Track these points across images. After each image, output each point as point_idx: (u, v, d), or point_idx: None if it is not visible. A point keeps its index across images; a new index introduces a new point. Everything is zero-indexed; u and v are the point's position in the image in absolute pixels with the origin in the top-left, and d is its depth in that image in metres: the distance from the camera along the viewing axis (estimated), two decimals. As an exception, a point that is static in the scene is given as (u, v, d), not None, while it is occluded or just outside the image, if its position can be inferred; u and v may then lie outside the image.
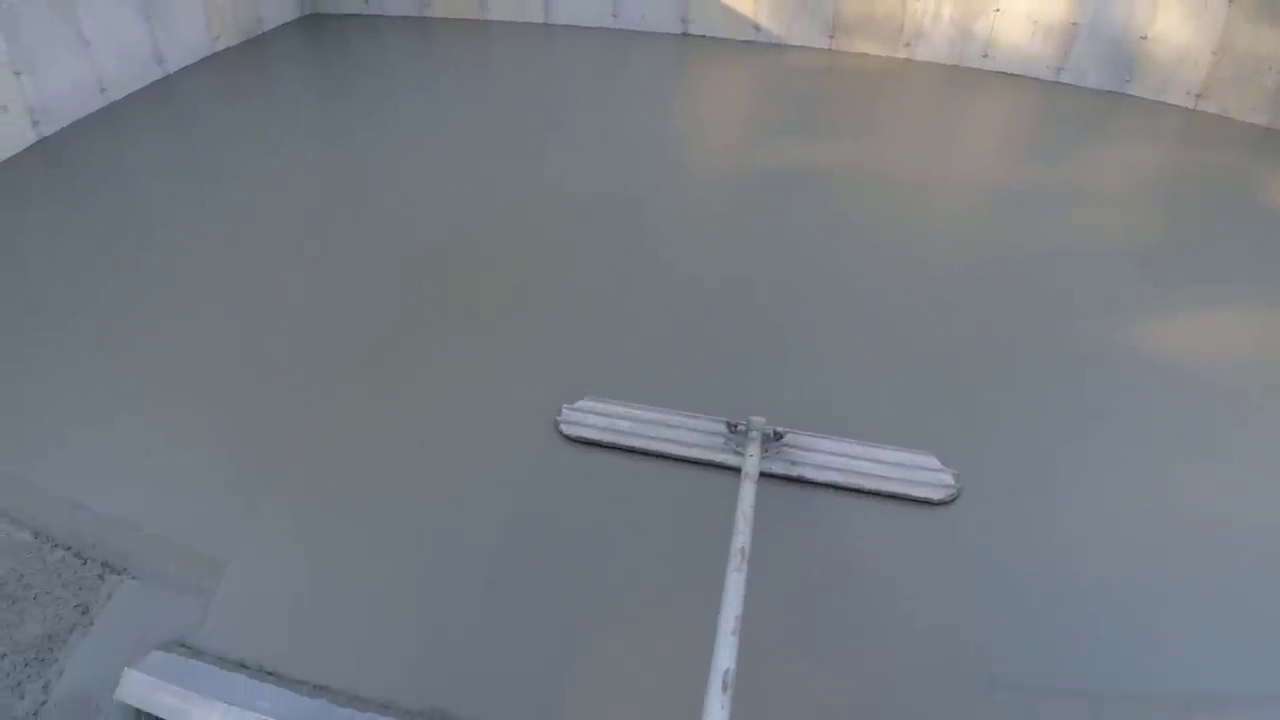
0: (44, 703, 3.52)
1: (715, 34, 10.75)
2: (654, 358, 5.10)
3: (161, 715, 3.37)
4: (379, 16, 11.28)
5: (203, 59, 9.62)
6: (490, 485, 4.23)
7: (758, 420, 4.14)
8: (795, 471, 4.07)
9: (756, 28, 10.67)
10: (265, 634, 3.71)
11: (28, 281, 5.98)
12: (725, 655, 2.70)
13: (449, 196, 6.91)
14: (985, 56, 10.03)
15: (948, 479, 4.06)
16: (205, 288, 5.86)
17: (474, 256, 6.17)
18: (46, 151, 7.78)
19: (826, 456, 4.14)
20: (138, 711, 3.41)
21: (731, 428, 4.22)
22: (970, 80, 9.59)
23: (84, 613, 3.79)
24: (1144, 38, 8.92)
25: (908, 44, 10.36)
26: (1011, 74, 9.82)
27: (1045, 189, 7.20)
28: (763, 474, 3.92)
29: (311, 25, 11.04)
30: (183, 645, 3.68)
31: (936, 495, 3.97)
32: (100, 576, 3.92)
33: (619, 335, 5.33)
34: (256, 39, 10.36)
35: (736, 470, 3.94)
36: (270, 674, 3.56)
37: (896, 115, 8.86)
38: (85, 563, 3.98)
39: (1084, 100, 9.04)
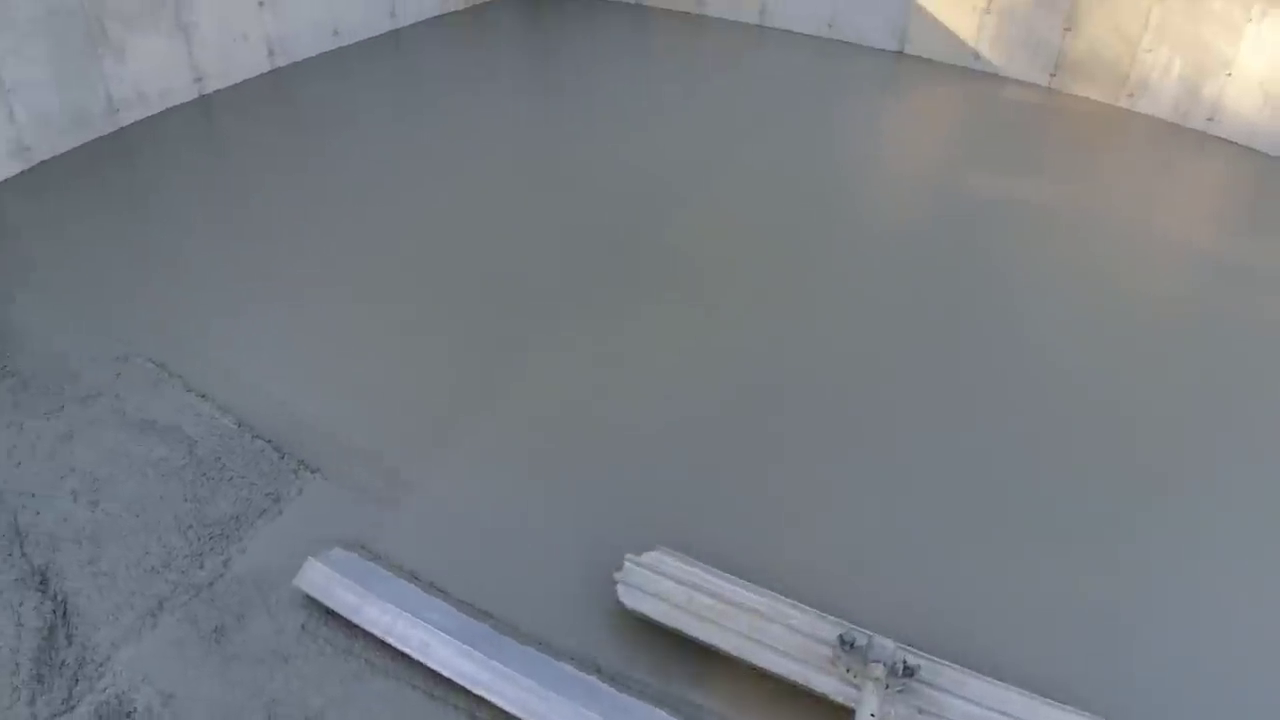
0: (221, 575, 3.54)
1: (931, 56, 10.35)
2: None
3: (335, 607, 3.32)
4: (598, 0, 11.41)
5: (431, 18, 9.92)
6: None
7: (884, 643, 3.02)
8: None
9: (975, 55, 10.21)
10: (440, 553, 3.67)
11: (249, 193, 6.27)
12: None
13: (629, 190, 6.75)
14: (1210, 120, 9.22)
15: None
16: (411, 221, 6.00)
17: (634, 260, 5.86)
18: (278, 80, 8.15)
19: (973, 709, 2.90)
20: (311, 600, 3.37)
21: (846, 644, 3.03)
22: (1191, 142, 8.79)
23: (275, 501, 3.82)
24: None
25: (1130, 94, 9.66)
26: (1233, 142, 9.01)
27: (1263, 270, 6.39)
28: None
29: (533, 0, 11.28)
30: (363, 548, 3.64)
31: None
32: (294, 471, 3.96)
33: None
34: (481, 6, 10.65)
35: (845, 710, 2.91)
36: (440, 590, 3.48)
37: (1112, 170, 8.18)
38: (283, 457, 4.03)
39: None
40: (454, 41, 9.67)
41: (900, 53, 10.45)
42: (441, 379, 4.59)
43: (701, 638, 3.12)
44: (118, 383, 4.47)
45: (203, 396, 4.37)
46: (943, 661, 3.05)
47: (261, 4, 7.84)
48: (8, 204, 6.14)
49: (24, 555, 3.64)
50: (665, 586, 3.26)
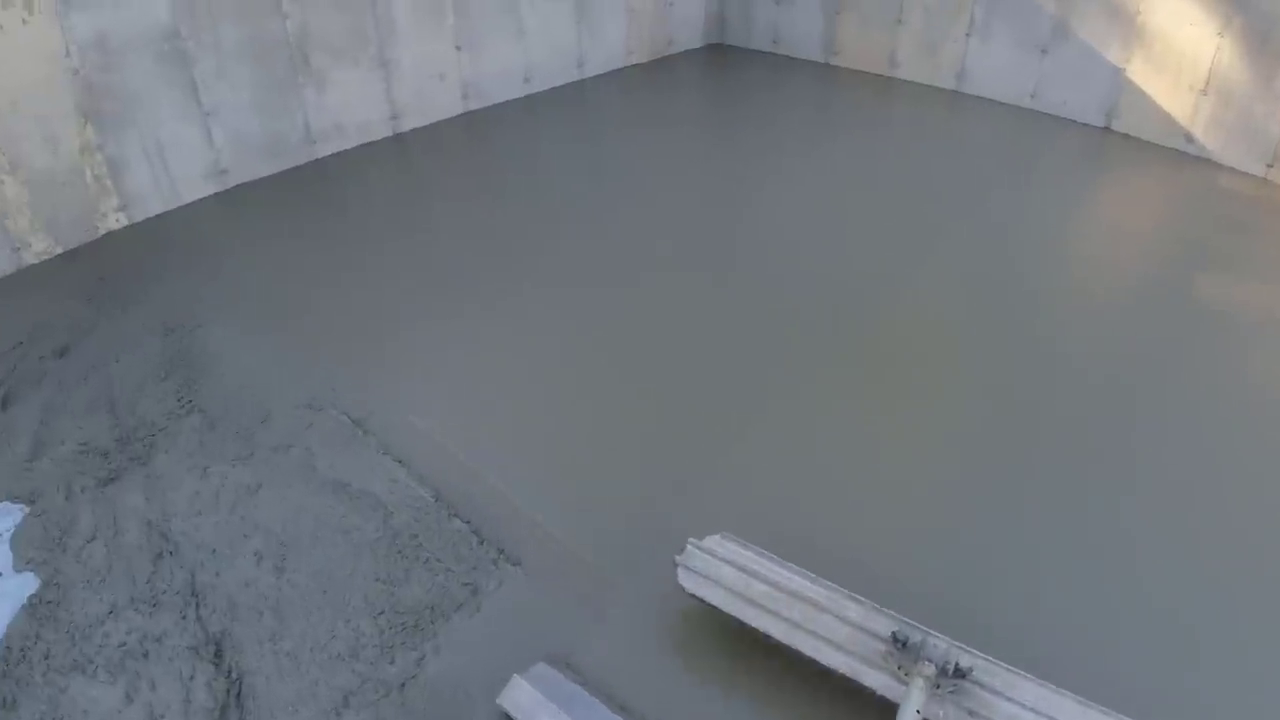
0: (413, 676, 3.16)
1: (1140, 134, 9.55)
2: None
3: (543, 739, 2.91)
4: (785, 56, 11.09)
5: (615, 69, 9.79)
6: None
7: (938, 642, 2.97)
8: None
9: (1188, 138, 9.37)
10: (652, 681, 3.18)
11: (439, 235, 6.14)
12: None
13: (809, 261, 6.18)
14: None
15: None
16: (596, 276, 5.71)
17: (811, 334, 5.30)
18: (470, 122, 8.08)
19: (1025, 715, 2.79)
20: (516, 723, 2.97)
21: (899, 641, 2.95)
22: None
23: (473, 594, 3.45)
24: None
25: None
26: None
27: None
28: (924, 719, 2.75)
29: (717, 54, 11.05)
30: (568, 664, 3.21)
31: None
32: (494, 561, 3.59)
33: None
34: (665, 59, 10.47)
35: (890, 705, 2.85)
36: (654, 727, 3.03)
37: None
38: (482, 542, 3.66)
39: None
40: (637, 90, 9.52)
41: (1106, 129, 9.70)
42: (652, 468, 4.15)
43: (752, 623, 3.10)
44: (309, 434, 4.23)
45: (399, 461, 4.07)
46: (998, 662, 2.93)
47: (459, 48, 7.80)
48: (203, 224, 6.19)
49: (199, 620, 3.37)
50: (724, 572, 3.25)
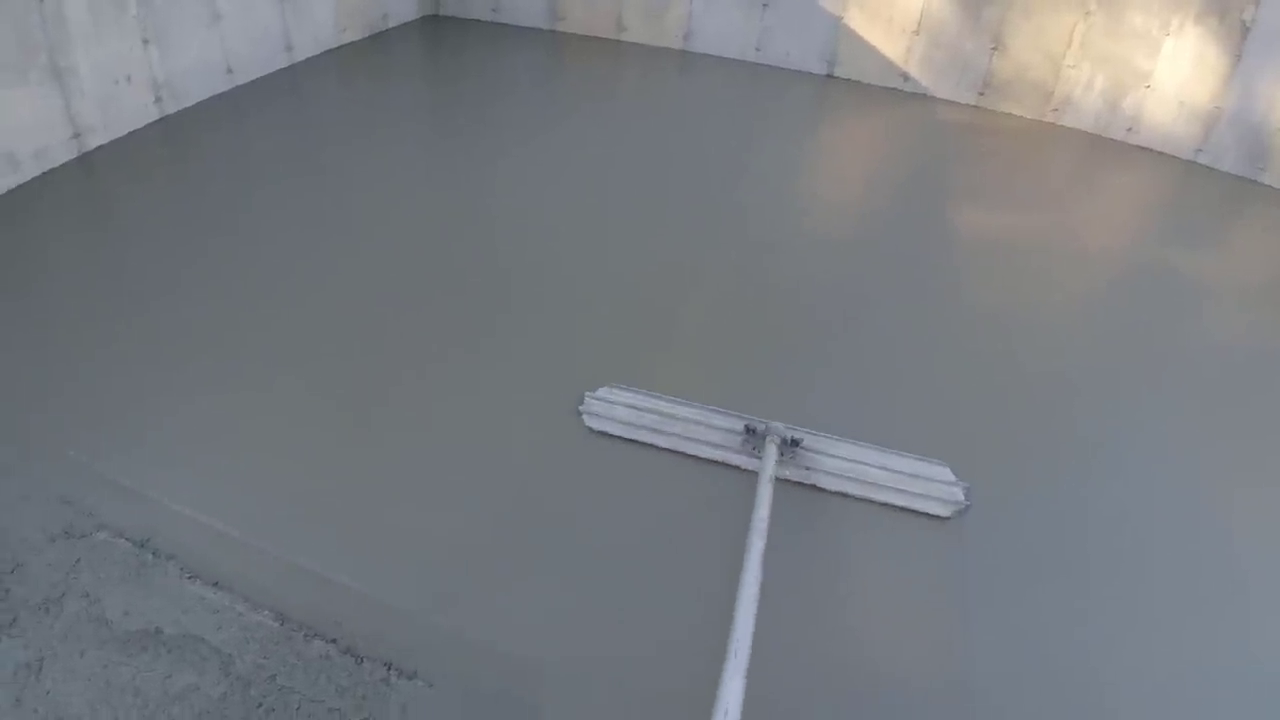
0: None
1: (861, 79, 10.15)
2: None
3: None
4: (507, 25, 10.50)
5: (328, 50, 8.75)
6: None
7: (776, 425, 4.06)
8: (809, 479, 3.98)
9: (904, 76, 10.11)
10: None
11: (148, 272, 5.08)
12: (735, 679, 2.56)
13: (537, 222, 6.16)
14: (1129, 130, 9.65)
15: (959, 494, 3.96)
16: (343, 306, 4.99)
17: (534, 271, 5.48)
18: (167, 130, 6.84)
19: (841, 463, 4.05)
20: None
21: (750, 431, 4.09)
22: (1112, 152, 9.13)
23: (373, 738, 2.79)
24: None
25: (1055, 109, 9.94)
26: (1152, 150, 9.45)
27: (1158, 266, 6.70)
28: (777, 479, 3.83)
29: (435, 26, 10.24)
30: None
31: (945, 512, 3.88)
32: (384, 681, 2.93)
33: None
34: (381, 35, 9.53)
35: (752, 474, 3.91)
36: None
37: (1037, 181, 8.27)
38: (360, 661, 2.97)
39: (1217, 184, 8.66)
40: (353, 75, 8.60)
41: (829, 76, 10.17)
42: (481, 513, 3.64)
43: (647, 441, 4.11)
44: (81, 575, 3.27)
45: (215, 585, 3.23)
46: (819, 433, 4.19)
47: (147, 41, 6.51)
48: None
49: None
50: (616, 410, 4.24)
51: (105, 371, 4.25)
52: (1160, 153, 9.34)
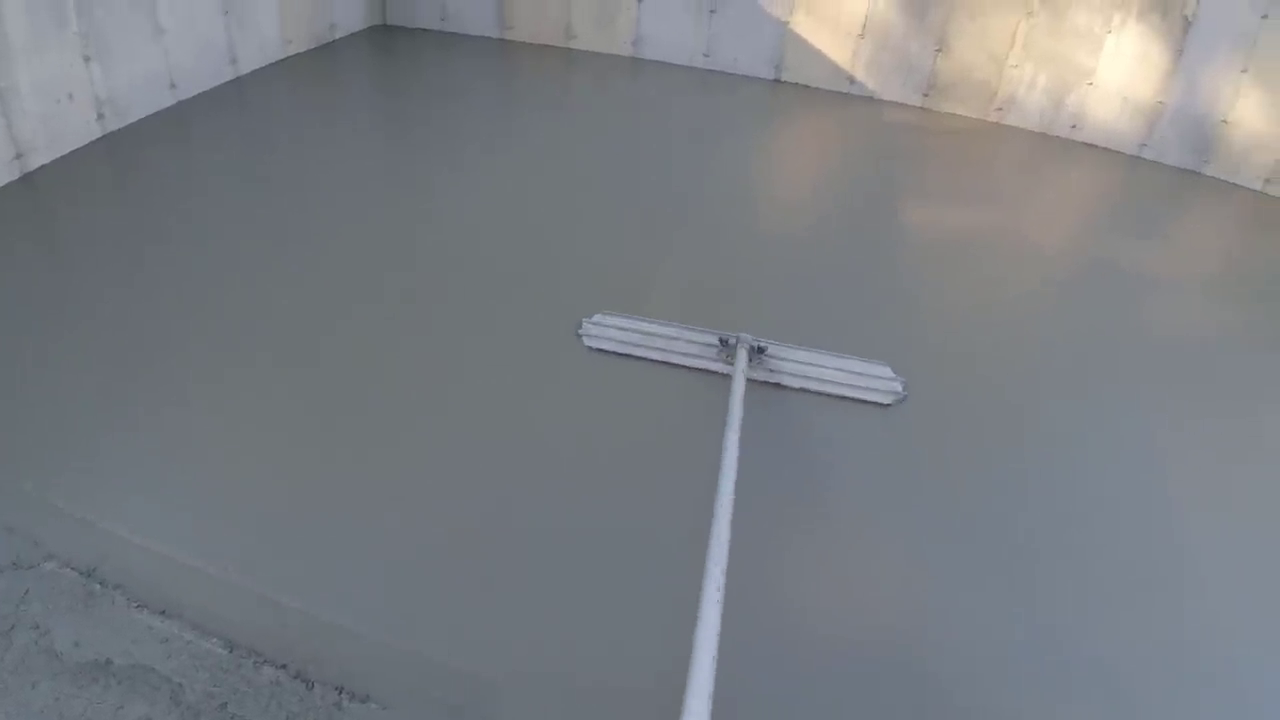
0: None
1: (808, 83, 10.27)
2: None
3: None
4: (455, 34, 10.48)
5: (274, 62, 8.68)
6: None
7: (745, 336, 4.81)
8: (774, 379, 4.77)
9: (851, 80, 10.24)
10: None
11: (94, 295, 5.02)
12: (720, 543, 2.96)
13: (492, 220, 6.33)
14: (1073, 127, 9.88)
15: (897, 386, 4.82)
16: (295, 323, 4.99)
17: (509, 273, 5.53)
18: (111, 147, 6.76)
19: (800, 365, 4.84)
20: None
21: (723, 342, 4.87)
22: (1056, 149, 9.37)
23: (327, 762, 2.82)
24: (1224, 121, 8.90)
25: (999, 109, 10.14)
26: (1096, 146, 9.69)
27: (1105, 259, 6.96)
28: (748, 380, 4.49)
29: (383, 35, 10.20)
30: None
31: (886, 400, 4.73)
32: (337, 705, 2.95)
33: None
34: (328, 45, 9.47)
35: (727, 377, 4.56)
36: None
37: (984, 177, 8.53)
38: (311, 686, 3.00)
39: (1162, 177, 8.96)
40: (299, 86, 8.56)
41: (777, 81, 10.28)
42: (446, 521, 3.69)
43: (637, 355, 4.87)
44: (30, 606, 3.25)
45: (163, 614, 3.23)
46: (782, 343, 4.96)
47: (88, 58, 6.43)
48: None
49: None
50: (609, 331, 5.00)
51: (51, 395, 4.22)
52: (1105, 149, 9.57)
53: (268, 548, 3.53)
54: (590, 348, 4.88)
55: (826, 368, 4.87)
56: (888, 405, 4.72)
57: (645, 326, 5.05)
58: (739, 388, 4.26)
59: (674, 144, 8.11)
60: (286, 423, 4.23)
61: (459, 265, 5.68)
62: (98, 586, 3.33)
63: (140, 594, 3.30)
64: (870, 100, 10.17)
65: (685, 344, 4.93)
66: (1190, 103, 9.03)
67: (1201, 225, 8.24)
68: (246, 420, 4.21)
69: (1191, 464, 4.66)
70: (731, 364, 4.64)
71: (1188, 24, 8.89)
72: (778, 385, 4.76)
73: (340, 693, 2.99)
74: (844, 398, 4.71)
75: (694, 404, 4.54)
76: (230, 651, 3.11)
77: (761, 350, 4.83)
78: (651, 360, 4.84)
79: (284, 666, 3.06)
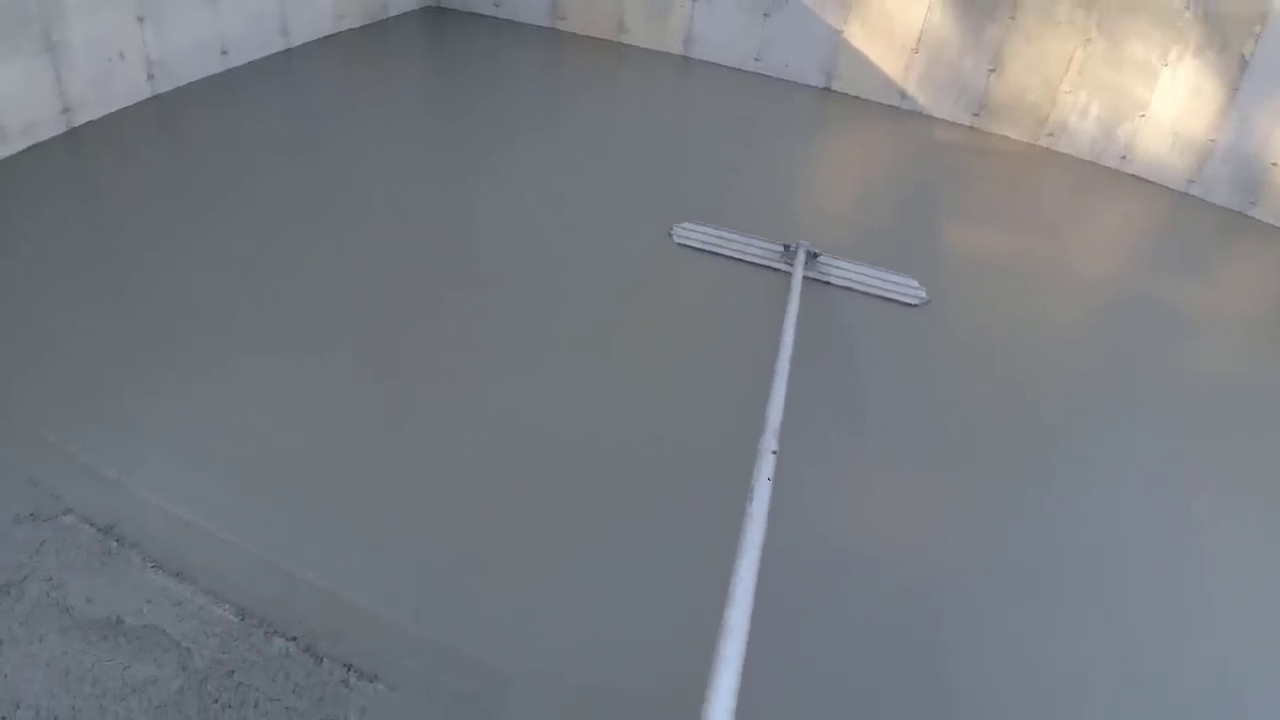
0: None
1: (859, 94, 10.14)
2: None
3: None
4: (508, 21, 10.46)
5: (325, 36, 8.69)
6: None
7: (804, 243, 5.84)
8: (825, 278, 5.82)
9: (902, 94, 10.10)
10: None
11: (138, 256, 5.02)
12: (776, 407, 3.61)
13: (532, 218, 6.21)
14: (1123, 159, 9.67)
15: (923, 293, 5.85)
16: (343, 289, 4.94)
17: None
18: (159, 109, 6.78)
19: (846, 272, 5.89)
20: None
21: (785, 248, 5.94)
22: (1104, 179, 9.17)
23: (330, 738, 2.77)
24: (1275, 164, 8.63)
25: (1050, 134, 9.95)
26: (1144, 179, 9.48)
27: (1147, 294, 6.80)
28: (805, 277, 5.56)
29: (436, 17, 10.19)
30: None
31: (914, 301, 5.77)
32: (344, 683, 2.91)
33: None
34: (380, 24, 9.48)
35: (788, 274, 5.65)
36: None
37: (1030, 202, 8.33)
38: (320, 661, 2.95)
39: (1209, 215, 8.73)
40: (350, 62, 8.57)
41: (827, 90, 10.16)
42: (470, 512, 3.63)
43: (717, 251, 5.96)
44: (46, 557, 3.24)
45: (178, 575, 3.21)
46: (831, 254, 5.97)
47: (142, 19, 6.45)
48: None
49: None
50: (695, 234, 6.08)
51: (83, 351, 4.22)
52: (1153, 182, 9.37)
53: (287, 519, 3.50)
54: (680, 243, 6.02)
55: (867, 275, 5.90)
56: (915, 305, 5.75)
57: (722, 233, 6.13)
58: (797, 283, 5.25)
59: (720, 146, 8.02)
60: (320, 396, 4.20)
61: (482, 251, 5.63)
62: (114, 544, 3.30)
63: (157, 554, 3.27)
64: (920, 116, 10.03)
65: (755, 248, 6.02)
66: (1242, 143, 8.80)
67: (1246, 266, 8.05)
68: (279, 391, 4.19)
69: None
70: (791, 265, 5.74)
71: (1245, 63, 8.70)
72: (828, 283, 5.79)
73: (349, 670, 2.94)
74: (881, 297, 5.75)
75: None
76: (242, 619, 3.07)
77: (815, 255, 5.85)
78: (727, 257, 5.93)
79: (294, 639, 3.02)
